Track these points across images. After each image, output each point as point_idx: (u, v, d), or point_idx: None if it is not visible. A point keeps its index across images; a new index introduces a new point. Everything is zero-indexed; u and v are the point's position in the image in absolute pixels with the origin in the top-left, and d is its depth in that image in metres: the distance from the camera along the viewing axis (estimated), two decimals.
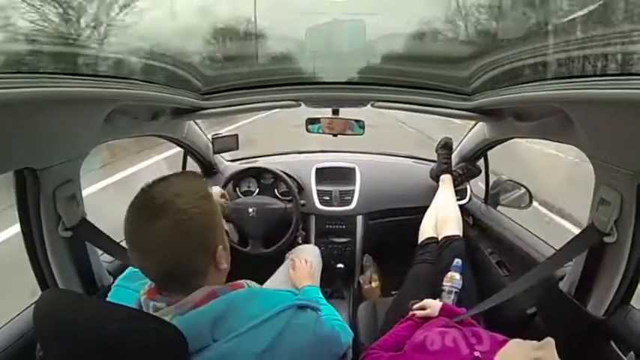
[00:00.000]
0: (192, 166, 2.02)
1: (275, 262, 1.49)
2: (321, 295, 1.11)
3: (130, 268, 0.87)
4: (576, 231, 1.09)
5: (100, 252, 1.22)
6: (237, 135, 1.91)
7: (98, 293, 1.17)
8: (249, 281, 0.74)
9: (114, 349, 0.51)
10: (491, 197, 1.88)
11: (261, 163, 2.14)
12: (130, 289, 0.81)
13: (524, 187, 1.75)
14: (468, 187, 2.04)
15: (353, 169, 2.07)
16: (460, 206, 1.81)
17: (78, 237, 1.07)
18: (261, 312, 0.62)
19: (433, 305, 1.19)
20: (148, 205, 0.61)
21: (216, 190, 1.72)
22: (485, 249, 1.76)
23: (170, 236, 0.59)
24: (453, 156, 1.97)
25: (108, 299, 0.81)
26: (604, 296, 1.00)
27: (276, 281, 1.40)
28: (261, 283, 1.39)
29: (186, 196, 0.62)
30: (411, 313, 1.22)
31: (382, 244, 2.07)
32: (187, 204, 0.61)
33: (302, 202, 1.88)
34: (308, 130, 1.68)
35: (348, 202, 1.99)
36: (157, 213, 0.59)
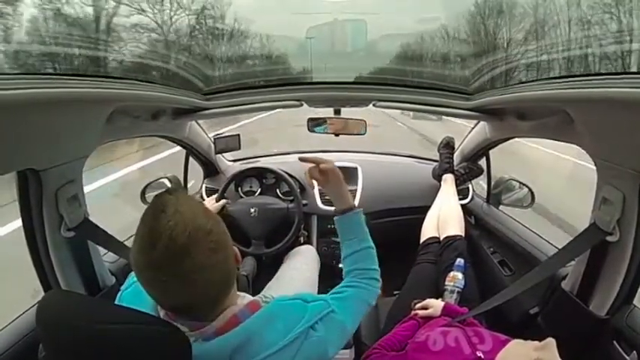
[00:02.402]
0: (194, 166, 2.03)
1: (277, 261, 1.49)
2: (363, 228, 0.98)
3: None
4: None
5: (102, 252, 1.22)
6: (238, 135, 1.91)
7: (101, 294, 1.17)
8: (262, 295, 0.75)
9: (118, 351, 0.51)
10: (494, 197, 1.88)
11: (262, 163, 2.14)
12: None
13: (527, 186, 1.75)
14: (470, 186, 2.04)
15: (355, 169, 2.07)
16: (462, 206, 1.81)
17: (80, 237, 1.07)
18: (278, 338, 0.64)
19: (435, 305, 1.19)
20: (173, 242, 0.54)
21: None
22: (488, 248, 1.76)
23: (212, 259, 0.57)
24: (455, 155, 1.97)
25: (123, 297, 0.78)
26: (606, 295, 1.00)
27: (279, 281, 1.41)
28: (263, 282, 1.41)
29: (201, 216, 0.59)
30: (413, 312, 1.22)
31: (384, 244, 2.06)
32: (209, 222, 0.58)
33: (304, 202, 1.88)
34: (310, 130, 1.68)
35: None
36: (188, 244, 0.54)
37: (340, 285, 0.89)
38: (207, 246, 0.56)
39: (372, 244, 0.95)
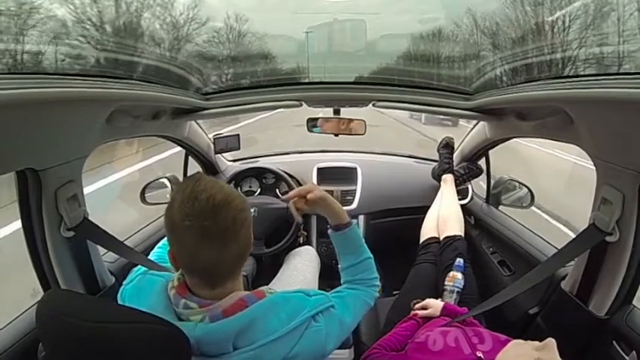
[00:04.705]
0: (194, 166, 2.03)
1: (277, 262, 1.49)
2: (359, 239, 0.98)
3: (139, 266, 0.86)
4: None
5: (102, 252, 1.22)
6: (238, 135, 1.91)
7: (100, 293, 1.17)
8: (267, 288, 0.76)
9: (117, 350, 0.51)
10: (493, 197, 1.88)
11: (262, 163, 2.14)
12: (156, 275, 0.80)
13: (526, 186, 1.75)
14: (470, 186, 2.04)
15: (354, 169, 2.07)
16: (462, 206, 1.81)
17: (80, 237, 1.07)
18: (280, 325, 0.66)
19: (435, 305, 1.19)
20: (206, 201, 0.60)
21: None
22: (487, 248, 1.76)
23: (239, 219, 0.62)
24: (455, 155, 1.97)
25: (125, 292, 0.79)
26: (606, 296, 1.00)
27: (279, 281, 1.41)
28: (263, 282, 1.41)
29: (226, 188, 0.64)
30: (412, 312, 1.22)
31: (384, 244, 2.07)
32: (233, 194, 0.64)
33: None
34: (309, 130, 1.68)
35: (350, 202, 1.99)
36: (219, 204, 0.60)
37: (340, 287, 0.92)
38: (239, 207, 0.63)
39: (370, 254, 0.96)
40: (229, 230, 0.61)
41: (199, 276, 0.65)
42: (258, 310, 0.66)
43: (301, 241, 1.88)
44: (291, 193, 0.95)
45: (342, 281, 0.94)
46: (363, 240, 0.98)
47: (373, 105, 1.48)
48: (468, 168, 1.93)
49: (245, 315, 0.64)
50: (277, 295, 0.73)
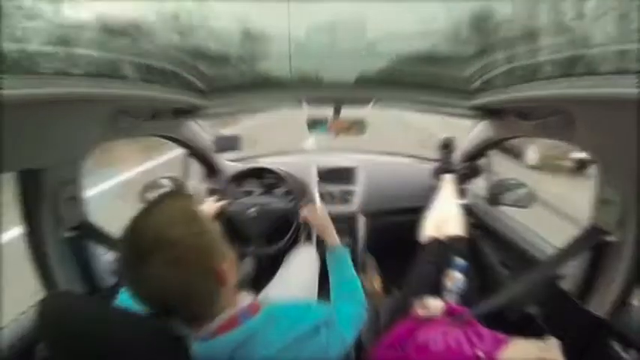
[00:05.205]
0: (194, 166, 2.03)
1: (277, 262, 1.49)
2: (346, 259, 1.09)
3: None
4: None
5: (101, 252, 1.22)
6: (238, 135, 1.91)
7: (100, 294, 1.17)
8: (262, 298, 0.77)
9: (118, 350, 0.51)
10: (493, 197, 1.87)
11: (262, 163, 2.14)
12: None
13: (526, 186, 1.75)
14: (470, 186, 2.04)
15: (354, 169, 2.07)
16: (462, 206, 1.81)
17: (79, 238, 1.07)
18: (279, 340, 0.65)
19: (435, 305, 1.19)
20: (138, 242, 0.56)
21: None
22: (487, 248, 1.76)
23: (168, 272, 0.56)
24: (455, 155, 1.97)
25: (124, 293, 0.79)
26: (606, 295, 1.00)
27: (279, 281, 1.41)
28: (263, 282, 1.41)
29: (177, 225, 0.58)
30: (413, 312, 1.22)
31: (384, 244, 2.07)
32: (179, 233, 0.58)
33: (303, 201, 1.88)
34: (309, 130, 1.68)
35: (350, 202, 1.99)
36: (149, 250, 0.55)
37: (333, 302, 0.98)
38: (167, 257, 0.56)
39: (356, 275, 1.06)
40: (154, 279, 0.57)
41: (174, 314, 0.63)
42: (255, 325, 0.65)
43: (301, 241, 1.88)
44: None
45: (331, 299, 1.00)
46: (352, 266, 1.08)
47: (373, 104, 1.48)
48: (467, 168, 1.93)
49: (241, 331, 0.63)
50: (275, 307, 0.72)
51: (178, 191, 0.71)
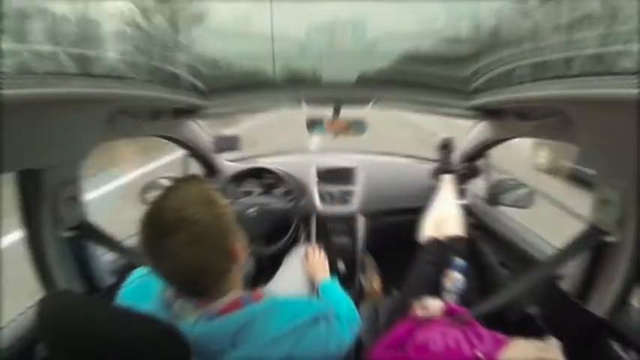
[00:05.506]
0: (194, 166, 2.03)
1: (277, 262, 1.49)
2: (337, 286, 1.16)
3: (140, 268, 0.87)
4: None
5: (101, 253, 1.22)
6: (238, 135, 1.91)
7: (100, 294, 1.17)
8: (267, 290, 0.78)
9: (118, 350, 0.52)
10: (493, 197, 1.87)
11: (262, 163, 2.14)
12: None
13: (526, 185, 1.75)
14: (469, 186, 2.04)
15: (354, 169, 2.08)
16: (462, 206, 1.81)
17: (79, 238, 1.07)
18: (279, 326, 0.66)
19: (434, 305, 1.19)
20: (160, 223, 0.60)
21: None
22: (487, 249, 1.76)
23: (188, 249, 0.60)
24: (455, 156, 1.97)
25: (124, 294, 0.80)
26: (605, 296, 1.00)
27: (279, 281, 1.41)
28: (263, 282, 1.41)
29: (196, 205, 0.63)
30: (412, 313, 1.22)
31: (383, 244, 2.07)
32: (198, 214, 0.62)
33: (303, 201, 1.88)
34: (309, 130, 1.68)
35: (349, 202, 1.99)
36: (170, 229, 0.59)
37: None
38: (187, 235, 0.60)
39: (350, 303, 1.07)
40: (176, 254, 0.62)
41: (188, 289, 0.67)
42: (257, 310, 0.67)
43: (301, 241, 1.89)
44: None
45: None
46: (344, 293, 1.11)
47: (373, 104, 1.48)
48: (467, 168, 1.93)
49: (243, 313, 0.65)
50: (278, 298, 0.74)
51: (193, 176, 0.74)
